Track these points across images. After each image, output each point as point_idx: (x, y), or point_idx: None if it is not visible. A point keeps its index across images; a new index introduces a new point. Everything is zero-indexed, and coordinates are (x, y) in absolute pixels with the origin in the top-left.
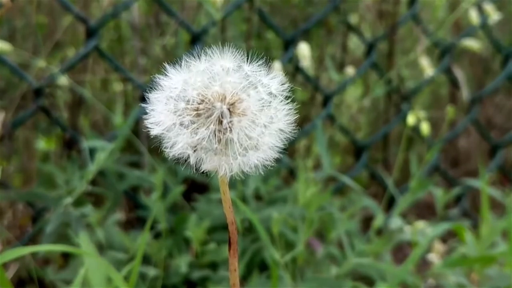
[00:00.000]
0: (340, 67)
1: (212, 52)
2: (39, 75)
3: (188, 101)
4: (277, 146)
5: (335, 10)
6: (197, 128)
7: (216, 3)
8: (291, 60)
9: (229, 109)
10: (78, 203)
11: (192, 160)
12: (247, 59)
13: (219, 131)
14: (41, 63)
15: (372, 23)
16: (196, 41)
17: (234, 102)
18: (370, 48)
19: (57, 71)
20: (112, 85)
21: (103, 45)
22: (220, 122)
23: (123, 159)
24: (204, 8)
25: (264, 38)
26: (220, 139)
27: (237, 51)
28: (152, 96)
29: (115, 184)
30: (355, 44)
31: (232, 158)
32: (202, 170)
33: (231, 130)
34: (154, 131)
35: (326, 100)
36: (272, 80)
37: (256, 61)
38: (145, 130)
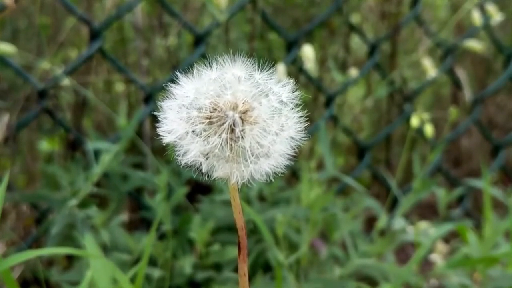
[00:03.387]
0: (343, 67)
1: (223, 60)
2: (43, 77)
3: (201, 109)
4: (287, 153)
5: (338, 11)
6: (209, 136)
7: (220, 4)
8: (294, 61)
9: (240, 117)
10: (82, 204)
11: (204, 168)
12: (258, 67)
13: (231, 139)
14: (45, 64)
15: (375, 23)
16: (199, 42)
17: (246, 110)
18: (372, 48)
19: (61, 73)
20: (114, 86)
21: (106, 46)
22: (232, 130)
23: (127, 161)
24: (207, 9)
25: (267, 39)
26: (232, 147)
27: (247, 59)
28: (165, 104)
29: (119, 186)
30: (357, 44)
31: (244, 166)
32: (213, 178)
33: (243, 138)
34: (167, 139)
35: (329, 100)
36: (282, 88)
37: (266, 69)
38: (148, 131)
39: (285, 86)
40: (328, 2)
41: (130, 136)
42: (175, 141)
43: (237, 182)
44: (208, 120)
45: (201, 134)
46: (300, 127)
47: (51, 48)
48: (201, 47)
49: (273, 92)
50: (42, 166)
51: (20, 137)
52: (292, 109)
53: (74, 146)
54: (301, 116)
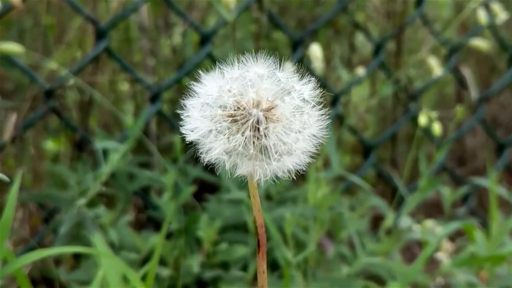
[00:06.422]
0: (348, 66)
1: (245, 58)
2: (49, 76)
3: (224, 107)
4: (309, 151)
5: (343, 10)
6: (233, 134)
7: (229, 4)
8: (300, 60)
9: (264, 115)
10: (90, 204)
11: (227, 166)
12: (279, 65)
13: (254, 136)
14: (51, 64)
15: (380, 22)
16: (205, 41)
17: (269, 108)
18: (378, 47)
19: (67, 73)
20: (120, 86)
21: (111, 46)
22: (255, 128)
23: (134, 160)
24: (213, 8)
25: (273, 38)
26: (255, 145)
27: (270, 57)
28: (188, 102)
29: (126, 185)
30: (361, 43)
31: (267, 163)
32: (236, 175)
33: (266, 136)
34: (190, 137)
35: (334, 99)
36: (304, 86)
37: (287, 67)
38: (155, 131)
39: (307, 84)
40: (333, 1)
41: (137, 135)
42: (198, 139)
43: (259, 180)
44: (231, 118)
45: (224, 132)
46: (321, 125)
47: (58, 47)
48: (207, 47)
49: (295, 90)
50: (49, 166)
51: (26, 136)
52: (314, 107)
53: (80, 145)
54: (322, 114)
